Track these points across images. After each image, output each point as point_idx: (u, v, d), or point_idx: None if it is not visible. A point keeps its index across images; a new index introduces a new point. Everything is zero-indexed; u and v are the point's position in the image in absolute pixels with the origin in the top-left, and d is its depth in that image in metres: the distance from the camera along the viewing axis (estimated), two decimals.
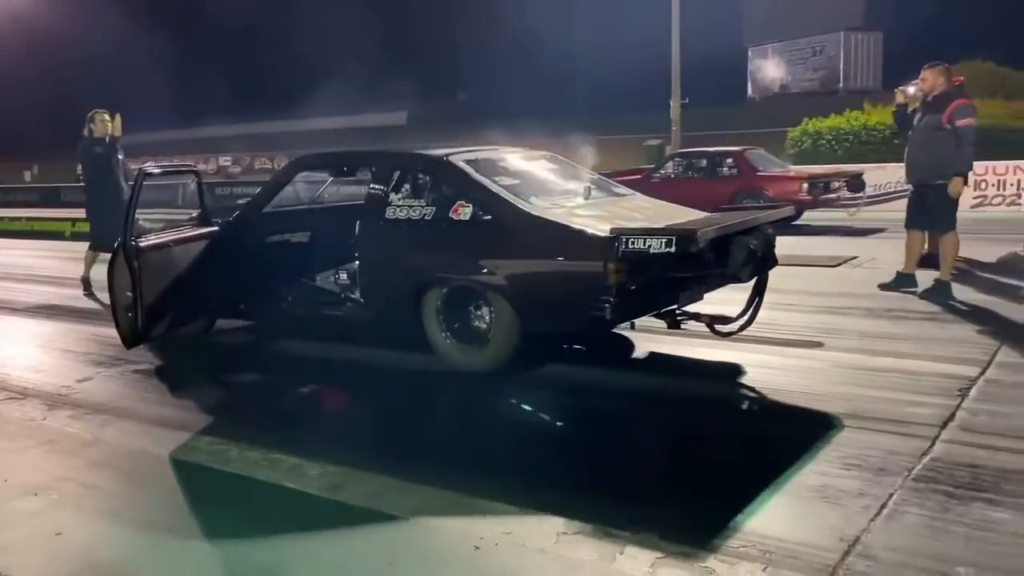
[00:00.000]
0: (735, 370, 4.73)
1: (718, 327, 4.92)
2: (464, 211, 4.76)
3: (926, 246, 7.11)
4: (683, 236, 4.03)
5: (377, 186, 5.20)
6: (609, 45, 28.62)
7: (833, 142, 15.58)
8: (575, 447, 3.81)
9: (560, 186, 5.31)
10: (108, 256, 5.10)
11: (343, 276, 5.67)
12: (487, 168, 5.06)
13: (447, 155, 5.13)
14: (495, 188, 4.80)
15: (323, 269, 5.79)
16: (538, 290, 4.48)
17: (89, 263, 8.53)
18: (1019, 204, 13.81)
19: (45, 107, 40.11)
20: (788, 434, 3.83)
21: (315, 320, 5.52)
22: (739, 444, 3.84)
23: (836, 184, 12.54)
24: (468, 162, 5.04)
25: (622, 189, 5.67)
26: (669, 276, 4.47)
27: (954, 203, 6.57)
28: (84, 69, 38.46)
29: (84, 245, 8.98)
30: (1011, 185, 14.37)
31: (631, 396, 4.47)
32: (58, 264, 11.79)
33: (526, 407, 4.43)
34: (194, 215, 5.86)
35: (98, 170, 8.42)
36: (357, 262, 5.26)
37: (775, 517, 2.92)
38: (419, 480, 3.32)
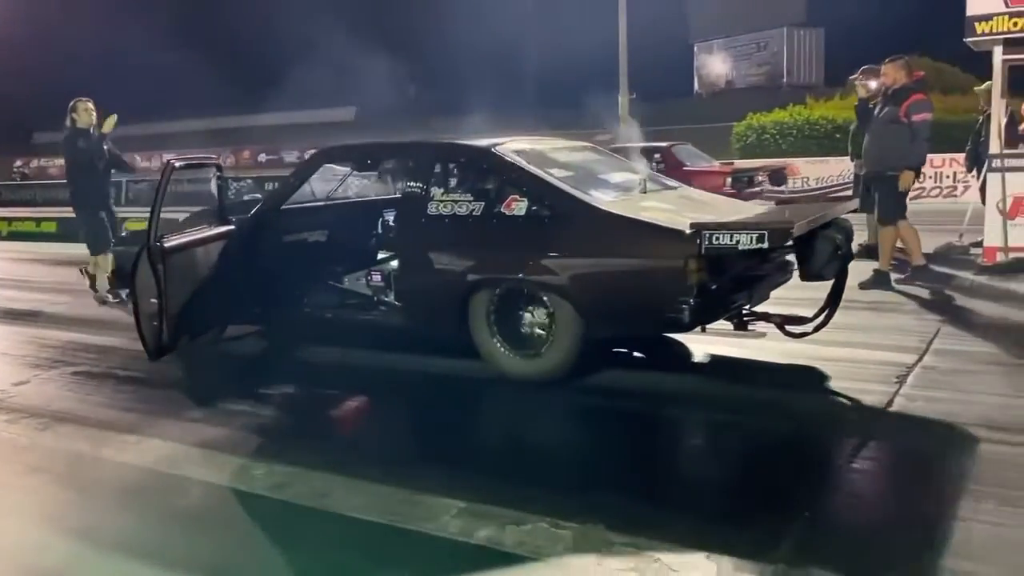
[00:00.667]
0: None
1: (789, 328, 4.53)
2: (518, 206, 4.40)
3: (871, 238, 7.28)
4: (777, 230, 3.73)
5: (416, 180, 4.83)
6: (557, 40, 28.70)
7: (777, 136, 15.84)
8: (537, 443, 3.83)
9: (613, 178, 4.92)
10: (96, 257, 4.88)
11: (376, 278, 5.20)
12: (537, 159, 4.69)
13: (494, 145, 4.76)
14: (553, 181, 4.44)
15: (352, 270, 5.30)
16: (606, 291, 4.14)
17: (103, 267, 7.56)
18: (956, 196, 14.20)
19: None
20: (745, 426, 3.89)
21: (342, 325, 5.11)
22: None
23: (759, 178, 12.92)
24: (517, 153, 4.68)
25: (671, 181, 5.38)
26: (748, 275, 4.26)
27: (901, 195, 6.71)
28: (22, 62, 37.35)
29: (22, 245, 8.70)
30: (947, 177, 14.77)
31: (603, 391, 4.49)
32: None
33: (494, 403, 4.42)
34: (198, 211, 5.60)
35: (82, 166, 7.62)
36: (393, 262, 4.94)
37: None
38: (365, 478, 3.29)
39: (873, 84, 7.32)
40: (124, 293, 5.99)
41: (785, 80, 25.92)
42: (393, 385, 4.69)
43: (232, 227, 5.07)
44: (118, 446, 3.81)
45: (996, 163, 7.47)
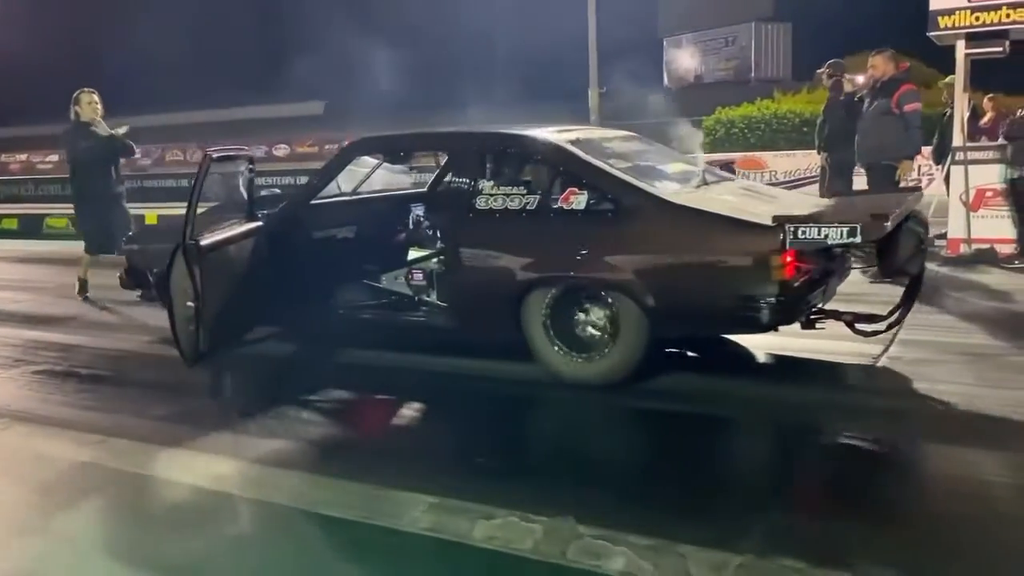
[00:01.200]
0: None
1: (860, 327, 4.31)
2: (577, 199, 4.16)
3: None
4: (871, 224, 3.53)
5: (462, 172, 4.59)
6: (527, 35, 28.67)
7: (745, 130, 15.96)
8: (507, 438, 3.82)
9: (671, 169, 4.67)
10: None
11: (417, 276, 4.85)
12: (594, 150, 4.44)
13: (548, 136, 4.53)
14: (616, 172, 4.20)
15: (391, 269, 4.92)
16: (677, 289, 3.91)
17: (86, 265, 7.39)
18: (921, 188, 14.39)
19: None
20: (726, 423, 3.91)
21: (381, 327, 4.81)
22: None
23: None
24: (572, 143, 4.44)
25: (724, 173, 5.19)
26: (831, 271, 4.10)
27: (895, 186, 6.84)
28: None
29: None
30: (912, 170, 15.00)
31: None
32: None
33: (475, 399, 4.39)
34: (214, 207, 5.36)
35: (84, 163, 7.18)
36: (436, 260, 4.67)
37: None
38: (335, 475, 3.27)
39: (860, 78, 7.45)
40: (137, 293, 5.75)
41: (753, 75, 26.07)
42: (367, 381, 4.65)
43: (261, 224, 4.83)
44: (81, 446, 3.73)
45: (959, 156, 7.59)
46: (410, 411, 4.15)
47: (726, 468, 3.30)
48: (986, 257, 7.24)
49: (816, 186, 9.41)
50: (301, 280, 4.79)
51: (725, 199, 4.22)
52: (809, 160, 13.65)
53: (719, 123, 17.11)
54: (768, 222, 3.68)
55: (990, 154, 7.56)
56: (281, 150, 23.69)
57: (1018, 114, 7.86)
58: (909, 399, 3.97)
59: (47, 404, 4.41)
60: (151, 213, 14.87)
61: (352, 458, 3.57)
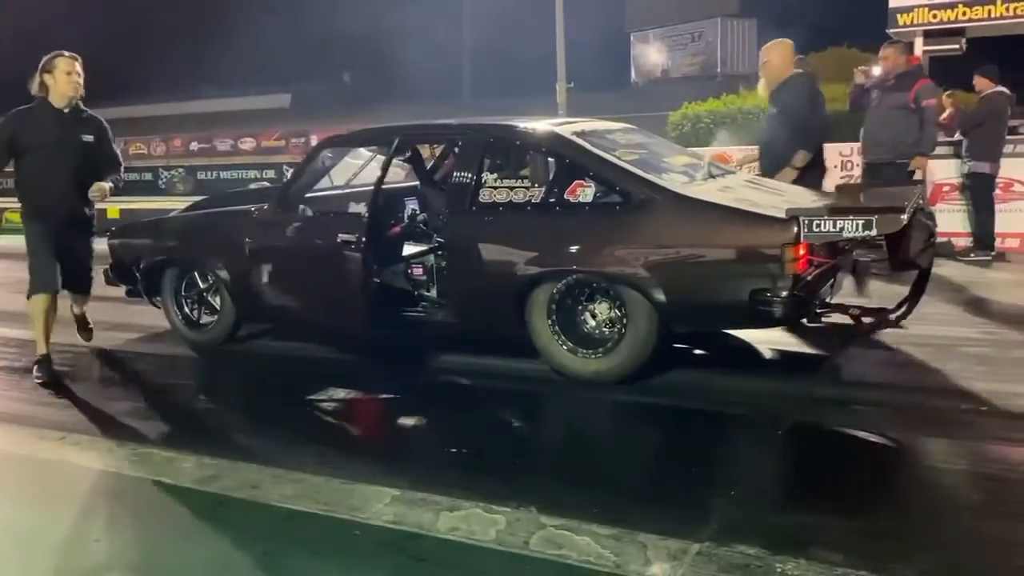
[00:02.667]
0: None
1: (867, 320, 4.25)
2: (584, 192, 4.11)
3: None
4: (887, 217, 3.50)
5: (464, 164, 4.48)
6: (494, 28, 28.64)
7: (711, 125, 16.07)
8: (470, 430, 3.83)
9: (677, 161, 4.57)
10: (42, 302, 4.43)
11: (417, 272, 4.79)
12: (599, 142, 4.34)
13: (554, 127, 4.44)
14: (624, 165, 4.12)
15: (389, 264, 4.79)
16: (688, 283, 3.85)
17: (37, 314, 4.76)
18: (921, 182, 14.60)
19: None
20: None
21: (378, 323, 4.57)
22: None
23: None
24: (578, 134, 4.35)
25: (726, 166, 5.07)
26: (839, 265, 4.07)
27: (912, 183, 6.78)
28: None
29: None
30: None
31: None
32: None
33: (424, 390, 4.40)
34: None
35: (37, 161, 4.63)
36: (437, 254, 4.59)
37: None
38: (295, 467, 3.26)
39: (876, 71, 7.34)
40: (124, 290, 5.61)
41: (719, 70, 26.30)
42: (328, 376, 4.64)
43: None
44: (40, 443, 3.69)
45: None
46: (382, 406, 4.15)
47: (690, 459, 3.33)
48: (943, 250, 7.37)
49: (777, 181, 9.47)
50: (289, 276, 4.75)
51: (734, 192, 4.19)
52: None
53: (685, 118, 17.21)
54: (781, 215, 3.66)
55: (947, 149, 7.70)
56: (247, 143, 23.42)
57: (960, 108, 7.97)
58: (867, 390, 4.05)
59: (6, 400, 4.36)
60: (113, 207, 14.66)
61: (317, 452, 3.57)
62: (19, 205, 4.79)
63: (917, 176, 6.69)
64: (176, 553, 2.72)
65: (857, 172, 8.05)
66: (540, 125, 4.53)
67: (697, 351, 4.69)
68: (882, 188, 5.41)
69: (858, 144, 7.34)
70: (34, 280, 4.66)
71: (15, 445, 3.70)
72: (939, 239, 7.36)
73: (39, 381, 4.59)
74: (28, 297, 4.69)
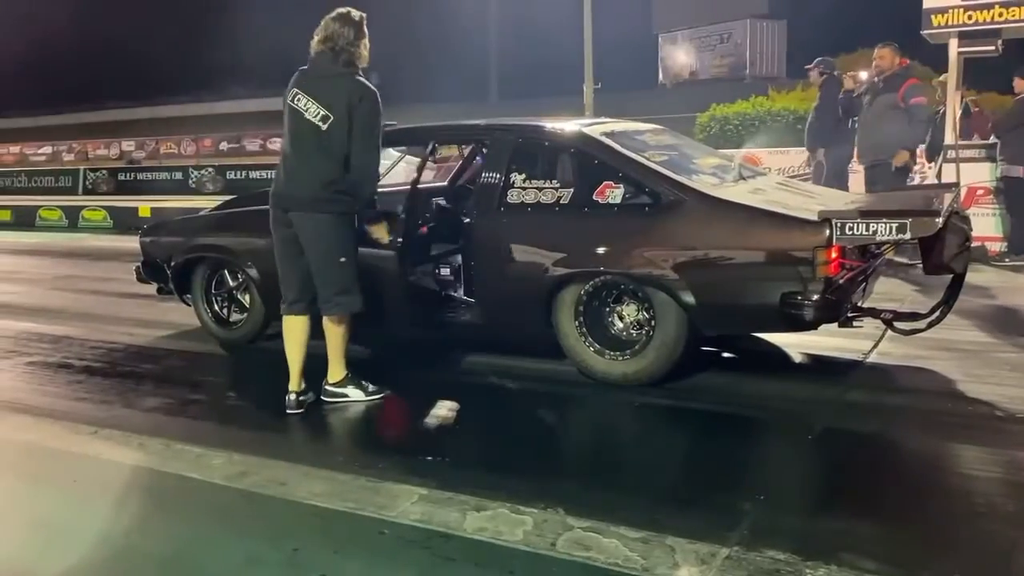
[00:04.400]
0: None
1: (899, 324, 4.25)
2: (613, 193, 4.08)
3: None
4: (922, 220, 3.46)
5: (492, 165, 4.47)
6: (520, 29, 28.67)
7: (740, 127, 15.97)
8: (498, 430, 3.84)
9: (707, 163, 4.55)
10: None
11: (444, 271, 4.80)
12: (629, 142, 4.34)
13: (583, 128, 4.43)
14: (654, 166, 4.11)
15: (417, 263, 4.78)
16: (718, 285, 3.83)
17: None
18: (958, 185, 14.44)
19: None
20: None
21: (405, 322, 4.62)
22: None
23: None
24: (607, 135, 4.35)
25: (757, 168, 5.09)
26: (874, 268, 4.04)
27: (903, 180, 6.83)
28: None
29: None
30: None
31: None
32: None
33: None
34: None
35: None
36: (464, 254, 4.58)
37: None
38: (323, 465, 3.28)
39: (863, 75, 7.41)
40: (155, 288, 5.67)
41: (748, 72, 26.13)
42: (367, 375, 4.65)
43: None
44: (74, 437, 3.74)
45: (951, 154, 7.62)
46: (409, 404, 4.15)
47: (719, 462, 3.31)
48: (976, 255, 7.27)
49: (808, 183, 9.43)
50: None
51: (765, 193, 4.16)
52: (803, 158, 13.68)
53: (713, 119, 17.11)
54: (813, 217, 3.63)
55: (981, 152, 7.60)
56: (276, 143, 23.60)
57: (986, 112, 7.91)
58: (898, 395, 4.01)
59: (40, 395, 4.41)
60: (144, 206, 14.87)
61: (345, 449, 3.60)
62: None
63: (906, 170, 6.83)
64: (205, 548, 2.74)
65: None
66: (569, 126, 4.52)
67: (726, 354, 4.66)
68: (912, 192, 5.37)
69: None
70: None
71: (49, 439, 3.74)
72: (973, 243, 7.33)
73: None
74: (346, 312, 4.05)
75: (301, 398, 4.00)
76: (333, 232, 3.86)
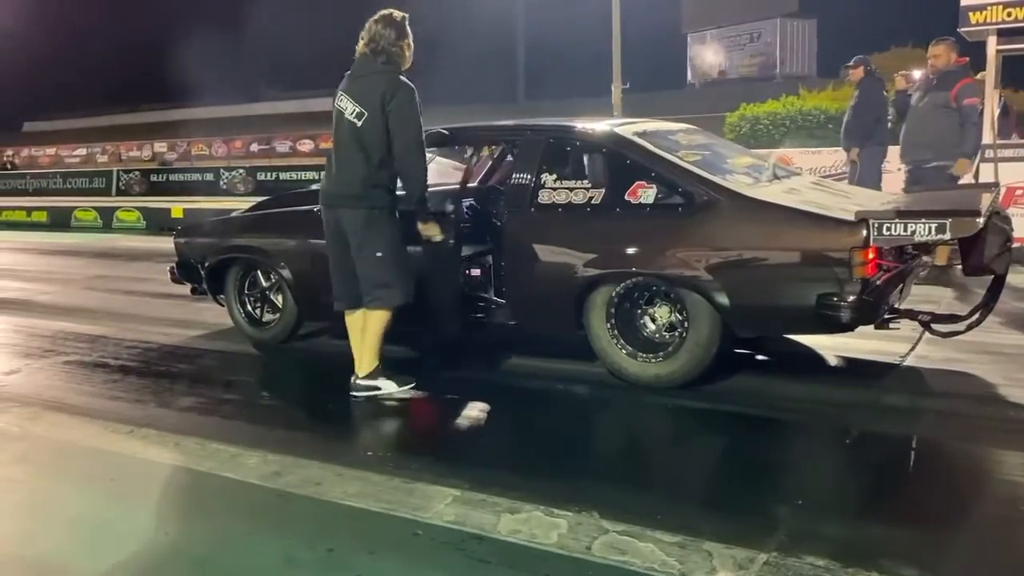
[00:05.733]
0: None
1: (937, 327, 4.19)
2: (645, 193, 4.04)
3: None
4: (961, 220, 3.40)
5: (523, 165, 4.45)
6: (548, 29, 28.62)
7: (770, 127, 15.84)
8: (533, 432, 3.83)
9: (740, 162, 4.50)
10: None
11: (475, 271, 4.77)
12: (661, 142, 4.31)
13: (615, 128, 4.40)
14: (687, 165, 4.07)
15: (447, 263, 4.67)
16: (753, 286, 3.79)
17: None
18: (997, 185, 14.22)
19: None
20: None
21: (436, 323, 4.61)
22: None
23: None
24: (640, 135, 4.32)
25: (791, 168, 5.01)
26: (911, 269, 3.99)
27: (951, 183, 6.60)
28: (14, 50, 37.03)
29: (12, 235, 8.61)
30: None
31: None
32: None
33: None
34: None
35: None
36: (494, 255, 4.59)
37: None
38: (359, 466, 3.29)
39: (916, 74, 7.12)
40: (189, 288, 5.74)
41: (778, 71, 25.90)
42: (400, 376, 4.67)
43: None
44: (109, 436, 3.78)
45: (988, 153, 7.49)
46: (442, 405, 4.15)
47: (755, 466, 3.28)
48: (1017, 256, 7.13)
49: (843, 183, 9.31)
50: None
51: (800, 193, 4.11)
52: (835, 158, 13.55)
53: (743, 119, 16.99)
54: (850, 217, 3.59)
55: (1020, 151, 7.45)
56: (306, 145, 23.80)
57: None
58: (936, 399, 3.95)
59: (76, 394, 4.46)
60: (177, 207, 15.04)
61: (379, 450, 3.60)
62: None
63: (963, 180, 6.50)
64: (241, 548, 2.76)
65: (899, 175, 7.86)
66: (600, 125, 4.50)
67: (760, 356, 4.61)
68: (951, 192, 5.25)
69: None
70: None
71: (86, 437, 3.79)
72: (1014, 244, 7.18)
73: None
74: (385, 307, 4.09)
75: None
76: (369, 226, 3.95)
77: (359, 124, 3.90)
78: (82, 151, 29.11)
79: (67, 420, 4.02)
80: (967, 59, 6.86)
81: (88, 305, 7.12)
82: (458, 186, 4.77)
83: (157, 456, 3.54)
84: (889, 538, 2.61)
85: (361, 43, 4.00)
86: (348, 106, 3.95)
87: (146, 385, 4.61)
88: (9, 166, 29.41)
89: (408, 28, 3.99)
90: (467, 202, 5.27)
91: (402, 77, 3.94)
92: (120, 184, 20.89)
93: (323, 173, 4.16)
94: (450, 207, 4.48)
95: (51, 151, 29.56)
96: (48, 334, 5.90)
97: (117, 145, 28.75)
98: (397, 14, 3.99)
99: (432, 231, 4.12)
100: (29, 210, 17.88)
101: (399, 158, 3.90)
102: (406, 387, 4.11)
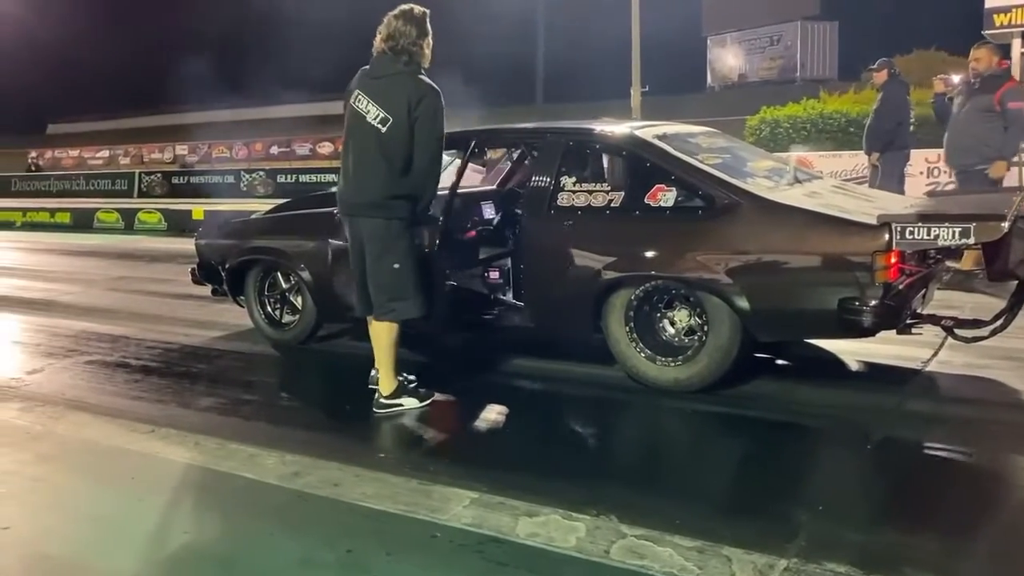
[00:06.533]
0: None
1: (960, 332, 4.12)
2: (665, 196, 4.03)
3: None
4: (986, 224, 3.36)
5: (542, 168, 4.44)
6: (567, 33, 28.65)
7: (791, 130, 15.74)
8: (551, 435, 3.82)
9: (761, 166, 4.48)
10: None
11: (493, 275, 4.81)
12: (682, 145, 4.29)
13: (634, 131, 4.39)
14: (708, 168, 4.05)
15: (466, 266, 4.83)
16: (774, 290, 3.77)
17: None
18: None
19: None
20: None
21: (456, 325, 4.67)
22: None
23: None
24: (659, 138, 4.29)
25: (812, 171, 4.98)
26: (934, 273, 3.97)
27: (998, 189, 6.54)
28: (37, 52, 37.52)
29: (36, 235, 8.71)
30: None
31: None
32: (8, 255, 11.51)
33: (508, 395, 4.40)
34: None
35: None
36: (513, 258, 4.59)
37: None
38: (376, 467, 3.30)
39: (956, 78, 7.06)
40: (210, 289, 5.77)
41: (799, 74, 25.77)
42: (419, 378, 4.67)
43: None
44: (131, 435, 3.81)
45: (1015, 157, 7.41)
46: (460, 407, 4.16)
47: (775, 471, 3.25)
48: None
49: (865, 187, 9.25)
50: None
51: (822, 197, 4.08)
52: (856, 161, 13.45)
53: (763, 123, 16.91)
54: (872, 221, 3.56)
55: None
56: (325, 147, 23.96)
57: None
58: (959, 406, 3.90)
59: (98, 394, 4.50)
60: (197, 208, 15.16)
61: (397, 451, 3.61)
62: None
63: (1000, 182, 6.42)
64: (260, 548, 2.77)
65: (943, 179, 7.77)
66: (620, 128, 4.49)
67: (780, 361, 4.58)
68: (975, 195, 5.18)
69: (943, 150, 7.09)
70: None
71: (107, 437, 3.82)
72: None
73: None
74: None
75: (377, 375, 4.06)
76: (387, 237, 3.84)
77: (383, 130, 3.74)
78: (105, 153, 29.45)
79: (89, 419, 4.06)
80: (1009, 63, 6.75)
81: (110, 305, 7.18)
82: (478, 188, 4.79)
83: (177, 456, 3.56)
84: (911, 545, 2.58)
85: (379, 39, 3.83)
86: (371, 109, 3.80)
87: (167, 385, 4.65)
88: (34, 168, 29.79)
89: (429, 25, 3.84)
90: (487, 204, 5.29)
91: (428, 80, 3.83)
92: (142, 186, 21.11)
93: (339, 175, 4.08)
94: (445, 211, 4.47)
95: (74, 153, 29.91)
96: (71, 334, 5.96)
97: (139, 147, 29.07)
98: (418, 9, 3.86)
99: (425, 238, 4.05)
100: (53, 211, 18.08)
101: (417, 169, 3.78)
102: (428, 401, 4.07)
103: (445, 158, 5.24)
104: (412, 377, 4.12)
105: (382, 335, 3.98)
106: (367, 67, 3.93)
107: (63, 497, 3.27)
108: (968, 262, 6.25)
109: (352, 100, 3.88)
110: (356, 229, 3.93)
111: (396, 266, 3.85)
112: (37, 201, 20.09)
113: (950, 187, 7.71)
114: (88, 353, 5.36)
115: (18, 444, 3.76)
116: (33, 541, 2.89)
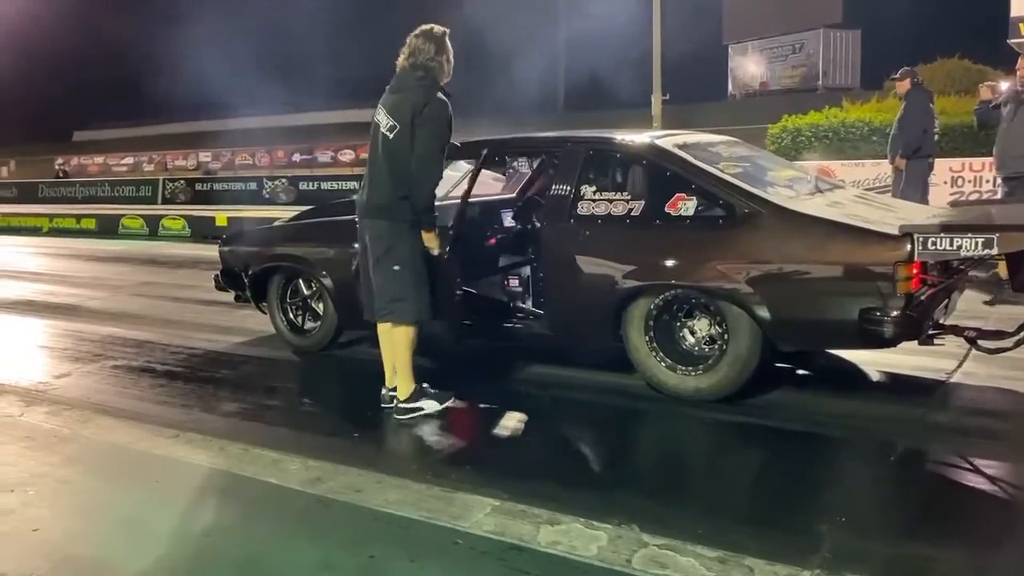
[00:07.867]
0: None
1: (983, 343, 4.03)
2: (685, 205, 4.03)
3: None
4: (1008, 235, 3.34)
5: (563, 177, 4.44)
6: (588, 41, 28.66)
7: (812, 139, 15.66)
8: (572, 443, 3.83)
9: (782, 175, 4.46)
10: None
11: (513, 283, 4.85)
12: (702, 154, 4.29)
13: (655, 140, 4.41)
14: (728, 177, 4.05)
15: (486, 275, 4.85)
16: (794, 300, 3.76)
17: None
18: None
19: (20, 103, 39.61)
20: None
21: (478, 333, 4.69)
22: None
23: None
24: (680, 147, 4.31)
25: (834, 180, 5.00)
26: (957, 284, 3.97)
27: None
28: (63, 61, 38.06)
29: (62, 241, 8.82)
30: (987, 182, 14.48)
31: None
32: (35, 260, 11.66)
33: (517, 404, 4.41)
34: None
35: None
36: (532, 266, 4.61)
37: None
38: (400, 474, 3.31)
39: (1004, 85, 7.08)
40: (233, 295, 5.83)
41: (821, 82, 25.66)
42: (440, 385, 4.69)
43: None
44: (156, 439, 3.85)
45: None
46: (481, 415, 4.17)
47: (796, 482, 3.24)
48: None
49: (887, 196, 9.19)
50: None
51: (843, 207, 4.08)
52: (878, 170, 13.35)
53: (785, 131, 16.83)
54: (894, 231, 3.55)
55: None
56: (347, 155, 24.11)
57: None
58: (983, 417, 3.87)
59: (124, 398, 4.56)
60: (221, 215, 15.30)
61: (419, 458, 3.63)
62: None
63: None
64: (282, 552, 2.79)
65: (987, 188, 7.70)
66: (641, 137, 4.51)
67: (800, 371, 4.56)
68: (999, 205, 5.15)
69: (988, 159, 7.08)
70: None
71: (133, 441, 3.87)
72: None
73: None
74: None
75: (392, 394, 4.12)
76: (391, 239, 3.94)
77: (391, 137, 3.91)
78: (129, 160, 29.79)
79: (115, 423, 4.11)
80: None
81: (135, 311, 7.27)
82: (494, 196, 4.81)
83: (201, 460, 3.60)
84: (935, 558, 2.57)
85: (402, 57, 4.00)
86: (384, 120, 3.96)
87: (191, 390, 4.70)
88: (61, 174, 30.18)
89: (448, 43, 3.99)
90: (504, 212, 5.31)
91: (438, 92, 3.93)
92: (166, 193, 21.31)
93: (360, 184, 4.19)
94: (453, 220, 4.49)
95: (99, 160, 30.28)
96: (97, 339, 6.04)
97: (163, 154, 29.39)
98: (437, 29, 4.01)
99: (433, 243, 4.06)
100: (79, 217, 18.32)
101: (414, 166, 3.87)
102: (447, 402, 4.11)
103: (464, 165, 5.30)
104: (426, 384, 4.15)
105: (399, 339, 4.04)
106: (391, 83, 4.07)
107: (90, 500, 3.32)
108: (1005, 269, 6.22)
109: (375, 115, 4.05)
110: (365, 232, 4.07)
111: (396, 268, 3.94)
112: (63, 207, 20.34)
113: (974, 196, 7.65)
114: (114, 358, 5.43)
115: (47, 447, 3.81)
116: (61, 543, 2.93)
